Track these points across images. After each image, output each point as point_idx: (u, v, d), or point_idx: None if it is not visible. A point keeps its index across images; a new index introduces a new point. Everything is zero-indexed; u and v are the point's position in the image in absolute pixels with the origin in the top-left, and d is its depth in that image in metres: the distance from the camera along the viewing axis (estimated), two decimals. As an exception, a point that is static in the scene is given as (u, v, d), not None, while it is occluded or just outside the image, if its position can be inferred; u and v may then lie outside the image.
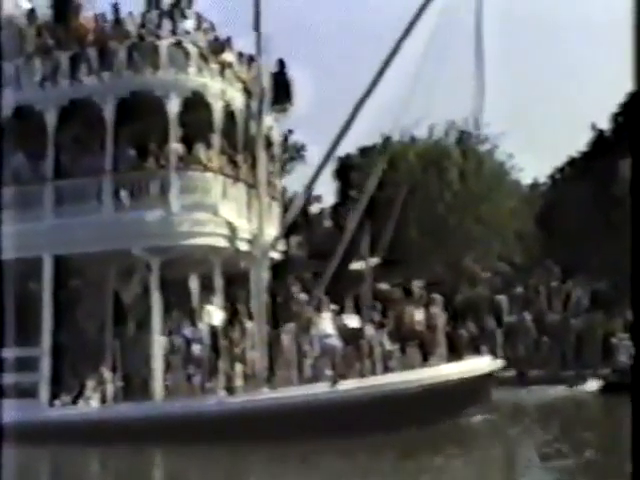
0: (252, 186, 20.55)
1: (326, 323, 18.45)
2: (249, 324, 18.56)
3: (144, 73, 19.00)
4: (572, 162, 42.09)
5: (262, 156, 20.35)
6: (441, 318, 19.26)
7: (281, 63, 20.73)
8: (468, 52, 19.17)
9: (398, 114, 19.31)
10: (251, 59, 21.41)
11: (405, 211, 30.03)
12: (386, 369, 18.25)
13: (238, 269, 21.26)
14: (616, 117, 40.23)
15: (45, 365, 19.34)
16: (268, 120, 20.95)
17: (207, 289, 22.80)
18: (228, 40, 21.00)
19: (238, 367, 18.07)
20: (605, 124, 40.95)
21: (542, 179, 44.85)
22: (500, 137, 37.30)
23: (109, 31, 19.70)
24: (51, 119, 19.56)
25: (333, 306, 19.00)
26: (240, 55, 21.35)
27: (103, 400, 18.87)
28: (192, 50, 19.42)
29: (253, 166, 20.56)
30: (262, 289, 20.06)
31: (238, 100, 20.35)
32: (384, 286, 20.26)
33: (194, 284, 22.94)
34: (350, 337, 18.43)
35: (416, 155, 36.06)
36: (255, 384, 18.08)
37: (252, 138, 20.51)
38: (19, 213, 19.74)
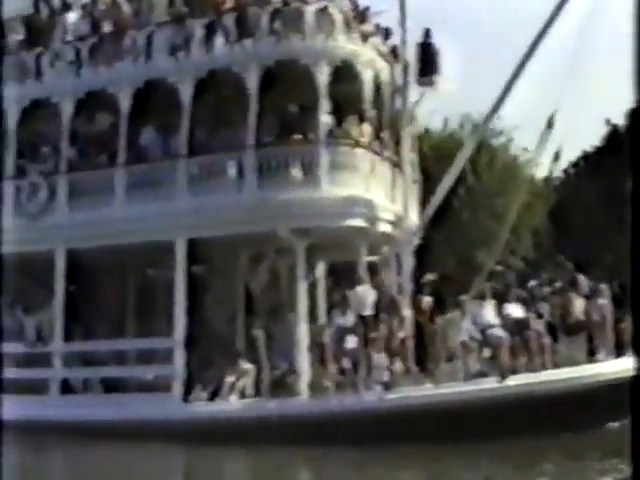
0: (396, 165, 19.00)
1: (489, 312, 16.79)
2: (407, 313, 16.92)
3: (290, 40, 17.43)
4: (586, 157, 40.65)
5: (407, 133, 18.82)
6: (609, 310, 17.52)
7: (427, 33, 19.22)
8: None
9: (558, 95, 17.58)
10: (387, 32, 19.97)
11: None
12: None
13: (377, 254, 19.82)
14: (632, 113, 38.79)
15: (179, 358, 17.82)
16: (413, 95, 19.38)
17: (333, 277, 21.45)
18: (367, 10, 19.46)
19: (397, 360, 16.43)
20: (620, 119, 39.31)
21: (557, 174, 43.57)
22: (515, 130, 36.26)
23: (249, -4, 18.16)
24: (186, 91, 18.09)
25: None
26: (377, 27, 19.81)
27: (242, 396, 17.32)
28: (338, 17, 17.87)
29: (396, 144, 19.03)
30: (407, 277, 18.57)
31: (385, 71, 18.81)
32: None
33: (319, 272, 21.35)
34: (515, 328, 16.76)
35: (430, 147, 34.51)
36: (415, 379, 16.45)
37: (397, 113, 18.98)
38: (147, 193, 18.34)
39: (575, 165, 41.81)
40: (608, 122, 39.65)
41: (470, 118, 37.04)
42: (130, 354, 19.42)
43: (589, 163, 40.33)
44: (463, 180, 33.29)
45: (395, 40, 19.92)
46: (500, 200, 35.28)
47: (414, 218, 19.25)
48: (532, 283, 19.22)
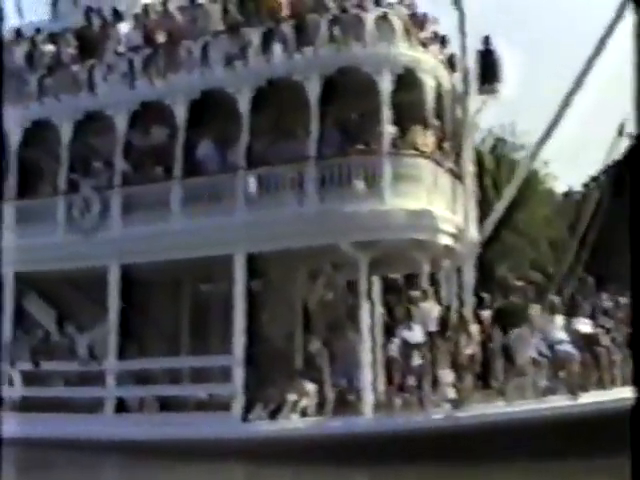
0: (456, 176, 18.50)
1: (558, 328, 16.25)
2: (474, 328, 16.39)
3: (351, 48, 16.99)
4: (606, 171, 39.93)
5: (469, 143, 18.34)
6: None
7: (487, 40, 18.71)
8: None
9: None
10: (443, 40, 19.50)
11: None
12: (620, 380, 15.97)
13: (436, 268, 19.34)
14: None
15: (238, 376, 17.32)
16: (474, 104, 18.85)
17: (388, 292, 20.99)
18: (425, 17, 19.00)
19: (467, 377, 15.89)
20: None
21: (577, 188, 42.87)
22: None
23: (306, 4, 17.72)
24: (245, 101, 17.66)
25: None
26: (435, 34, 19.33)
27: (303, 414, 16.81)
28: (397, 24, 17.42)
29: (457, 154, 18.54)
30: (469, 291, 18.07)
31: (445, 79, 18.32)
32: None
33: (376, 287, 20.82)
34: (584, 343, 16.19)
35: None
36: (483, 396, 15.89)
37: (458, 123, 18.49)
38: (205, 207, 17.94)
39: (595, 179, 41.19)
40: (631, 135, 38.89)
41: (492, 133, 36.86)
42: (185, 372, 18.97)
43: (609, 177, 39.62)
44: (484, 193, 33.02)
45: (452, 48, 19.48)
46: (521, 215, 35.03)
47: (474, 231, 18.72)
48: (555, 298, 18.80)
